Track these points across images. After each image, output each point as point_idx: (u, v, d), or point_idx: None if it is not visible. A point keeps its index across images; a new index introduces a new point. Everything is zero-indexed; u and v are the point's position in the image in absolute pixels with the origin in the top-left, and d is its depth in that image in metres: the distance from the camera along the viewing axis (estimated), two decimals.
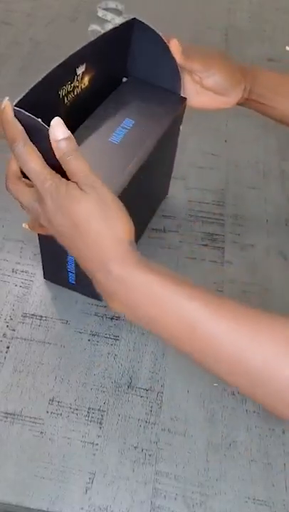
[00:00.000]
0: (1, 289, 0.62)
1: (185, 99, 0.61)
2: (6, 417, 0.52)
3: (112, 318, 0.60)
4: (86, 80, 0.54)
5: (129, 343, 0.59)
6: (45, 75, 0.45)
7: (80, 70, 0.52)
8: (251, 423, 0.54)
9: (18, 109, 0.40)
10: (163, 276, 0.39)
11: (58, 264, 0.59)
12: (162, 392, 0.55)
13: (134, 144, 0.55)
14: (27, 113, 0.40)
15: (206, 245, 0.69)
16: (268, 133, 0.88)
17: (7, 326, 0.59)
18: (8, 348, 0.57)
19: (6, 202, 0.72)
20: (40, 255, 0.62)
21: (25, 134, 0.41)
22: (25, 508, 0.47)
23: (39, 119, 0.40)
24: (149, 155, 0.55)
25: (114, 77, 0.62)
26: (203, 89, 0.61)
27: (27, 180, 0.43)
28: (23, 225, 0.50)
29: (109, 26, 1.03)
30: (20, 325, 0.59)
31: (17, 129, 0.40)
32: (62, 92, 0.51)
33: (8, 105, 0.40)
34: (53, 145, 0.40)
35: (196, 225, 0.72)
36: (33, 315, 0.60)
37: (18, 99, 0.41)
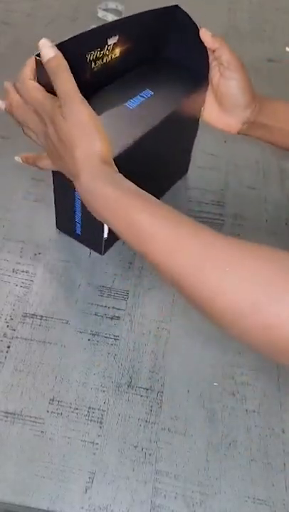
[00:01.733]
0: (1, 289, 0.62)
1: (208, 81, 0.64)
2: (7, 417, 0.52)
3: (112, 318, 0.61)
4: (117, 51, 0.57)
5: (129, 343, 0.59)
6: (72, 36, 0.50)
7: (112, 41, 0.55)
8: (251, 423, 0.54)
9: (38, 58, 0.47)
10: (120, 191, 0.45)
11: (68, 215, 0.64)
12: (162, 392, 0.55)
13: (147, 111, 0.58)
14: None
15: None
16: None
17: (7, 325, 0.59)
18: (8, 347, 0.57)
19: (6, 202, 0.72)
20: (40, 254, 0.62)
21: (31, 75, 0.49)
22: (26, 507, 0.47)
23: None
24: (159, 123, 0.58)
25: (147, 54, 0.65)
26: (215, 101, 0.64)
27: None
28: (16, 158, 0.58)
29: None
30: (20, 325, 0.59)
31: (29, 70, 0.50)
32: (89, 57, 0.54)
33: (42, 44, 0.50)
34: (45, 66, 0.47)
35: None
36: (33, 315, 0.60)
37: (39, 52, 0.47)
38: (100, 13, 1.10)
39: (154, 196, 0.70)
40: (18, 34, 1.05)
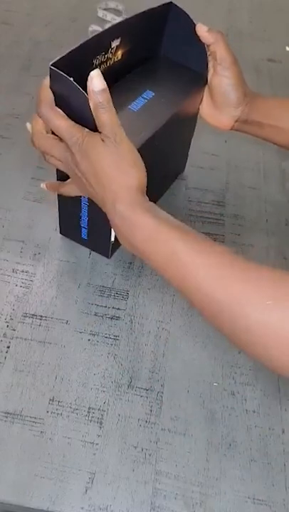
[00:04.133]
0: (1, 289, 0.62)
1: (206, 78, 0.64)
2: (6, 417, 0.52)
3: (112, 318, 0.61)
4: (119, 53, 0.57)
5: (129, 343, 0.59)
6: (82, 42, 0.49)
7: (115, 44, 0.55)
8: (251, 423, 0.54)
9: (54, 68, 0.45)
10: (159, 220, 0.45)
11: (73, 220, 0.64)
12: (162, 392, 0.55)
13: (151, 113, 0.58)
14: (61, 72, 0.45)
15: None
16: None
17: (7, 325, 0.59)
18: (8, 347, 0.57)
19: (6, 202, 0.72)
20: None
21: (52, 100, 0.48)
22: (25, 508, 0.47)
23: (71, 78, 0.44)
24: (163, 124, 0.58)
25: (146, 54, 0.65)
26: (209, 96, 0.64)
27: (55, 136, 0.50)
28: (42, 185, 0.58)
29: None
30: (20, 325, 0.59)
31: (48, 93, 0.47)
32: (96, 62, 0.54)
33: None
34: (90, 95, 0.45)
35: (196, 225, 0.72)
36: (33, 315, 0.60)
37: (55, 60, 0.46)
38: (100, 13, 1.10)
39: (155, 196, 0.71)
40: (18, 34, 1.05)
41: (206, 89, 0.64)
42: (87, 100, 0.45)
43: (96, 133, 0.46)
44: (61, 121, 0.47)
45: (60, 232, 0.68)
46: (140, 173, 0.47)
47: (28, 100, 0.87)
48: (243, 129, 0.66)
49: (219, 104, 0.63)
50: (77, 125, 0.47)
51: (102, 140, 0.46)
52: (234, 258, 0.43)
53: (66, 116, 0.47)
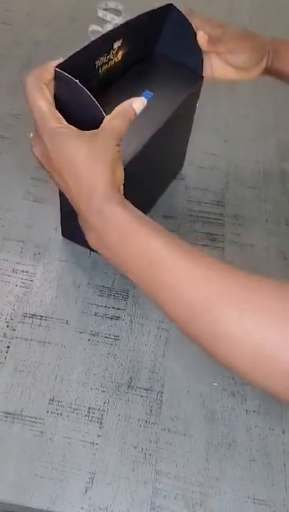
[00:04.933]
0: (1, 289, 0.62)
1: (202, 77, 0.65)
2: (6, 417, 0.52)
3: (112, 318, 0.61)
4: (120, 54, 0.57)
5: (129, 343, 0.59)
6: (86, 44, 0.48)
7: (117, 45, 0.55)
8: (251, 423, 0.54)
9: (59, 70, 0.45)
10: (137, 219, 0.42)
11: (75, 222, 0.63)
12: (162, 392, 0.55)
13: (151, 113, 0.58)
14: (67, 74, 0.44)
15: (206, 245, 0.70)
16: (268, 133, 0.88)
17: (7, 325, 0.59)
18: (8, 347, 0.57)
19: (6, 202, 0.72)
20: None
21: (45, 82, 0.45)
22: (25, 507, 0.47)
23: (77, 80, 0.44)
24: (163, 124, 0.58)
25: (144, 53, 0.66)
26: (227, 65, 0.64)
27: None
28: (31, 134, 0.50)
29: (109, 26, 1.04)
30: (20, 325, 0.59)
31: (47, 74, 0.46)
32: (98, 63, 0.54)
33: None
34: (130, 110, 0.46)
35: (196, 225, 0.72)
36: (33, 315, 0.60)
37: (60, 62, 0.46)
38: (100, 13, 1.10)
39: (154, 195, 0.72)
40: (18, 34, 1.05)
41: (220, 61, 0.64)
42: (91, 102, 0.44)
43: (72, 127, 0.43)
44: (44, 103, 0.44)
45: (62, 235, 0.68)
46: (117, 167, 0.44)
47: None
48: (269, 74, 0.67)
49: (244, 68, 0.64)
50: (59, 114, 0.44)
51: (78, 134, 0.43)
52: (213, 260, 0.41)
53: (51, 101, 0.45)
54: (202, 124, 0.85)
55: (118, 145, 0.44)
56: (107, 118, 0.45)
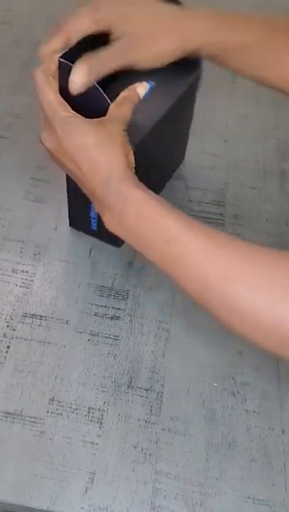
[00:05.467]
0: (1, 289, 0.62)
1: (199, 66, 0.64)
2: (6, 417, 0.52)
3: (112, 318, 0.61)
4: None
5: (129, 343, 0.59)
6: (88, 34, 0.50)
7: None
8: (251, 423, 0.54)
9: (63, 60, 0.47)
10: (154, 198, 0.43)
11: (83, 212, 0.64)
12: (162, 392, 0.55)
13: (153, 102, 0.59)
14: (71, 64, 0.46)
15: None
16: (268, 133, 0.88)
17: (7, 325, 0.59)
18: (8, 347, 0.57)
19: (6, 202, 0.72)
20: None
21: (53, 74, 0.47)
22: (25, 507, 0.47)
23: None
24: (165, 113, 0.59)
25: None
26: None
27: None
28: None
29: None
30: (20, 325, 0.59)
31: (53, 66, 0.48)
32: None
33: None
34: (134, 95, 0.48)
35: None
36: (33, 315, 0.60)
37: (63, 52, 0.47)
38: None
39: (159, 184, 0.72)
40: (18, 34, 1.05)
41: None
42: (96, 90, 0.46)
43: (81, 116, 0.45)
44: (53, 95, 0.46)
45: (70, 225, 0.69)
46: (128, 150, 0.46)
47: (28, 100, 0.87)
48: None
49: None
50: (67, 104, 0.46)
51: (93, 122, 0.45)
52: (227, 237, 0.42)
53: (58, 92, 0.46)
54: (202, 124, 0.85)
55: (125, 130, 0.46)
56: (112, 105, 0.47)
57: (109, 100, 0.47)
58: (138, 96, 0.48)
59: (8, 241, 0.67)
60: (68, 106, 0.46)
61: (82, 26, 0.51)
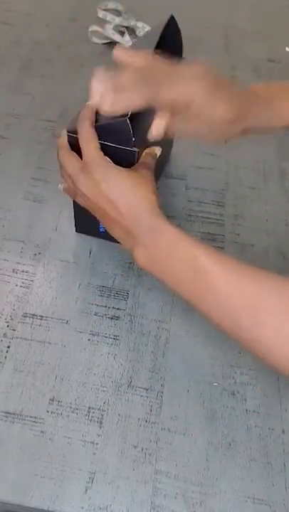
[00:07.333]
0: (1, 289, 0.62)
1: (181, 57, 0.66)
2: (6, 417, 0.52)
3: (112, 318, 0.61)
4: None
5: (129, 343, 0.59)
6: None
7: None
8: (251, 423, 0.54)
9: (71, 134, 0.54)
10: (182, 232, 0.48)
11: (89, 215, 0.63)
12: (162, 392, 0.55)
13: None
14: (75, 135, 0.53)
15: None
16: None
17: (7, 325, 0.59)
18: (8, 347, 0.57)
19: (6, 202, 0.72)
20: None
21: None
22: (26, 507, 0.47)
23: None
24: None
25: None
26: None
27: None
28: (59, 185, 0.58)
29: (109, 27, 1.04)
30: (20, 325, 0.59)
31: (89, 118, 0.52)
32: None
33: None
34: (153, 151, 0.56)
35: (196, 225, 0.72)
36: (33, 315, 0.60)
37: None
38: (100, 14, 1.10)
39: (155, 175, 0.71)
40: (18, 34, 1.05)
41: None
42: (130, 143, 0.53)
43: (123, 168, 0.51)
44: (94, 145, 0.51)
45: (76, 230, 0.69)
46: (157, 193, 0.51)
47: (28, 100, 0.87)
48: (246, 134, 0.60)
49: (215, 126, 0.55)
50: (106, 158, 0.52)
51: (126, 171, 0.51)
52: (252, 268, 0.45)
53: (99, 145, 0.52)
54: None
55: (152, 177, 0.53)
56: (141, 157, 0.54)
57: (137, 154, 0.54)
58: (156, 154, 0.56)
59: (8, 241, 0.67)
60: (106, 157, 0.51)
61: (135, 104, 0.50)
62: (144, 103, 0.48)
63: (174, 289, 0.48)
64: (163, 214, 0.49)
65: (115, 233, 0.52)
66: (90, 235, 0.68)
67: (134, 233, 0.49)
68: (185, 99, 0.50)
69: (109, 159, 0.52)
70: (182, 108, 0.51)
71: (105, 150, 0.52)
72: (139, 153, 0.55)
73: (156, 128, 0.52)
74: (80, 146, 0.52)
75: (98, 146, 0.52)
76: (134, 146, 0.54)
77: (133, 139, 0.53)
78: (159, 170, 0.77)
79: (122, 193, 0.49)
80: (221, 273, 0.44)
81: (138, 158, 0.55)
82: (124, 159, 0.53)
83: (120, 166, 0.51)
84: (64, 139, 0.55)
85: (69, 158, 0.53)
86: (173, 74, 0.51)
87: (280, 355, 0.41)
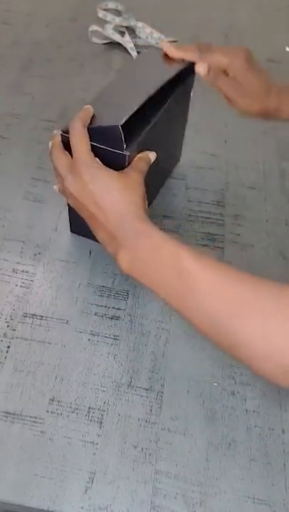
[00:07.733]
0: (1, 289, 0.62)
1: (194, 69, 0.64)
2: (6, 417, 0.52)
3: (112, 318, 0.61)
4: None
5: (129, 343, 0.59)
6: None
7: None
8: (251, 423, 0.54)
9: (64, 134, 0.53)
10: (166, 235, 0.47)
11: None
12: (162, 392, 0.55)
13: (150, 102, 0.58)
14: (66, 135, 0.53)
15: (205, 245, 0.70)
16: (268, 133, 0.88)
17: (7, 325, 0.59)
18: (8, 347, 0.57)
19: (6, 202, 0.72)
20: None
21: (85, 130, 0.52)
22: (26, 507, 0.47)
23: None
24: (163, 111, 0.60)
25: None
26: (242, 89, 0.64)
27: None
28: (54, 186, 0.57)
29: (109, 27, 1.04)
30: (20, 325, 0.59)
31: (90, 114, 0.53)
32: None
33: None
34: (147, 157, 0.55)
35: (196, 225, 0.72)
36: (33, 315, 0.60)
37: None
38: (100, 14, 1.10)
39: (156, 185, 0.74)
40: (18, 34, 1.05)
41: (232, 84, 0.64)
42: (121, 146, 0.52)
43: (111, 170, 0.51)
44: (86, 148, 0.51)
45: (71, 231, 0.68)
46: (145, 198, 0.51)
47: (28, 100, 0.87)
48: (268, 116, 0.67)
49: (249, 94, 0.64)
50: (94, 156, 0.51)
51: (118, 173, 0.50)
52: (235, 271, 0.44)
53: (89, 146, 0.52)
54: (202, 124, 0.85)
55: (142, 181, 0.52)
56: (133, 161, 0.54)
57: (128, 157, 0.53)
58: (150, 159, 0.55)
59: (8, 241, 0.67)
60: (96, 158, 0.51)
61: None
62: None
63: (158, 293, 0.47)
64: (148, 218, 0.49)
65: (99, 236, 0.51)
66: (84, 236, 0.68)
67: (118, 237, 0.48)
68: (225, 62, 0.61)
69: (99, 161, 0.51)
70: (223, 67, 0.61)
71: (96, 151, 0.51)
72: (131, 158, 0.54)
73: (199, 66, 0.61)
74: (71, 146, 0.51)
75: (89, 147, 0.51)
76: (126, 150, 0.53)
77: (124, 146, 0.52)
78: (158, 183, 0.76)
79: (108, 196, 0.49)
80: (204, 275, 0.44)
81: (129, 163, 0.54)
82: (114, 162, 0.52)
83: (110, 168, 0.51)
84: (57, 138, 0.54)
85: (60, 158, 0.53)
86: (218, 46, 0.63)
87: (261, 356, 0.41)
